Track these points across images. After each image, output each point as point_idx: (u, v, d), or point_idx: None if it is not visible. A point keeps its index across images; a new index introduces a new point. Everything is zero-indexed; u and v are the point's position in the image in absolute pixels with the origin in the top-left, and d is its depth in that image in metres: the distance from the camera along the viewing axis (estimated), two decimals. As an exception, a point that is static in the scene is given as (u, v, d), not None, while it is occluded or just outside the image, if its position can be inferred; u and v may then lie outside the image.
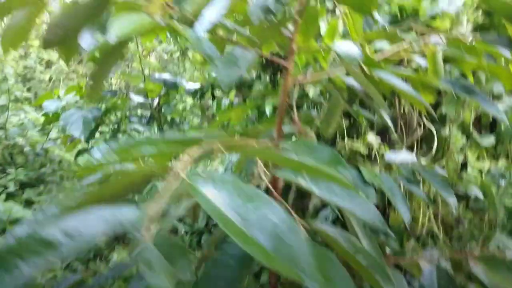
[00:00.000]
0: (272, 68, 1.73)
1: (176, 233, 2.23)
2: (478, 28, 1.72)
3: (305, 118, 1.13)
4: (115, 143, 0.38)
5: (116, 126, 2.38)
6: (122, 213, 0.27)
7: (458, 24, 1.70)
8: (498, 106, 0.85)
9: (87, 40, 0.40)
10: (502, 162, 1.64)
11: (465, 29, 1.72)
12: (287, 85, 0.71)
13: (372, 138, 1.51)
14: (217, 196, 0.28)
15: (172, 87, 2.04)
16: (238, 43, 0.60)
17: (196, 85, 2.03)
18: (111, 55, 0.46)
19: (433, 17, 1.58)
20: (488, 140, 1.58)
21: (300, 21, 0.70)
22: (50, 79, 5.17)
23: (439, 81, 0.79)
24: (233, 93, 2.15)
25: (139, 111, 2.44)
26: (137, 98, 2.27)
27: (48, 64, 5.41)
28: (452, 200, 0.85)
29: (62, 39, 0.60)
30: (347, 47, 0.58)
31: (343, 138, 1.55)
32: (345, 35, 1.16)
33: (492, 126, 1.66)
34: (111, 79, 3.33)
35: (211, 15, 0.40)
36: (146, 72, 2.41)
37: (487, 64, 0.88)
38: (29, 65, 5.15)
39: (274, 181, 0.66)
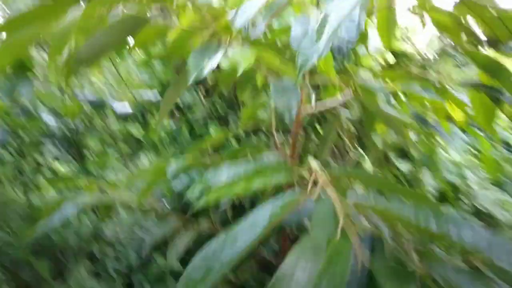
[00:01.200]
0: (217, 94, 1.73)
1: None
2: (387, 67, 1.99)
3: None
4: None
5: (21, 154, 2.10)
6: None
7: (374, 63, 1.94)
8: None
9: (195, 67, 0.38)
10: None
11: (378, 68, 1.97)
12: (300, 115, 0.75)
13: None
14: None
15: (98, 107, 1.89)
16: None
17: (127, 108, 1.91)
18: (185, 75, 0.44)
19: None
20: (406, 166, 1.81)
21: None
22: None
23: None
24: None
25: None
26: (51, 120, 2.04)
27: None
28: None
29: (93, 57, 0.55)
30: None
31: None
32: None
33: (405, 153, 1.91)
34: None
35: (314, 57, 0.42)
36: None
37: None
38: None
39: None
